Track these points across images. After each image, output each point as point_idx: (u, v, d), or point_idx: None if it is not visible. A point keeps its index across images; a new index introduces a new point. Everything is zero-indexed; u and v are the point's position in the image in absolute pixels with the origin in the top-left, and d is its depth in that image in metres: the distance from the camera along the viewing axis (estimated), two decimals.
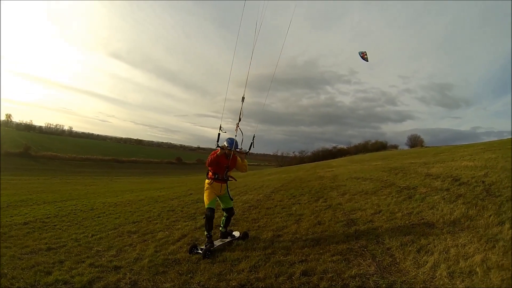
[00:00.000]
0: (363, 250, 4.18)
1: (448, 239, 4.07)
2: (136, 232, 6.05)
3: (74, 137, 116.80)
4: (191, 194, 12.78)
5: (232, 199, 5.19)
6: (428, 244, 4.02)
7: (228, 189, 5.09)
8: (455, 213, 5.06)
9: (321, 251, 4.26)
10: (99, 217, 7.99)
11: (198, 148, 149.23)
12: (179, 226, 6.43)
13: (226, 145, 4.92)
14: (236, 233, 5.25)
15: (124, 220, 7.43)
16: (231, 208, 5.13)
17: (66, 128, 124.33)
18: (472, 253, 3.57)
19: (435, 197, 6.33)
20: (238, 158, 5.15)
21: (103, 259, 4.45)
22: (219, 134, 5.03)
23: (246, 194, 10.99)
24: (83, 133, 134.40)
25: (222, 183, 4.98)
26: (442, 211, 5.35)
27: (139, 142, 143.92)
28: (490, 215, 4.63)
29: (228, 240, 5.01)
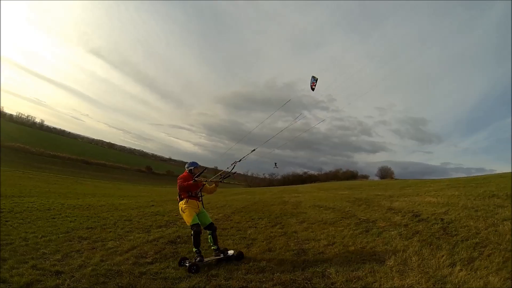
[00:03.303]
0: (306, 283, 3.92)
1: (395, 278, 3.87)
2: (87, 239, 5.87)
3: (44, 131, 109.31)
4: (152, 205, 12.39)
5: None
6: (374, 282, 3.81)
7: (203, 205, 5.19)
8: (408, 251, 4.93)
9: (263, 279, 4.04)
10: (54, 218, 7.86)
11: (170, 159, 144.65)
12: (132, 237, 6.22)
13: (189, 167, 5.15)
14: (231, 252, 5.05)
15: (78, 224, 7.21)
16: (211, 224, 5.09)
17: (38, 121, 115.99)
18: None
19: (392, 232, 6.21)
20: (206, 184, 5.28)
21: (47, 262, 4.32)
22: (203, 170, 5.18)
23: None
24: (54, 128, 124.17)
25: (198, 200, 5.07)
26: (395, 247, 5.21)
27: (111, 145, 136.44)
28: (443, 255, 4.54)
29: (220, 257, 4.83)
